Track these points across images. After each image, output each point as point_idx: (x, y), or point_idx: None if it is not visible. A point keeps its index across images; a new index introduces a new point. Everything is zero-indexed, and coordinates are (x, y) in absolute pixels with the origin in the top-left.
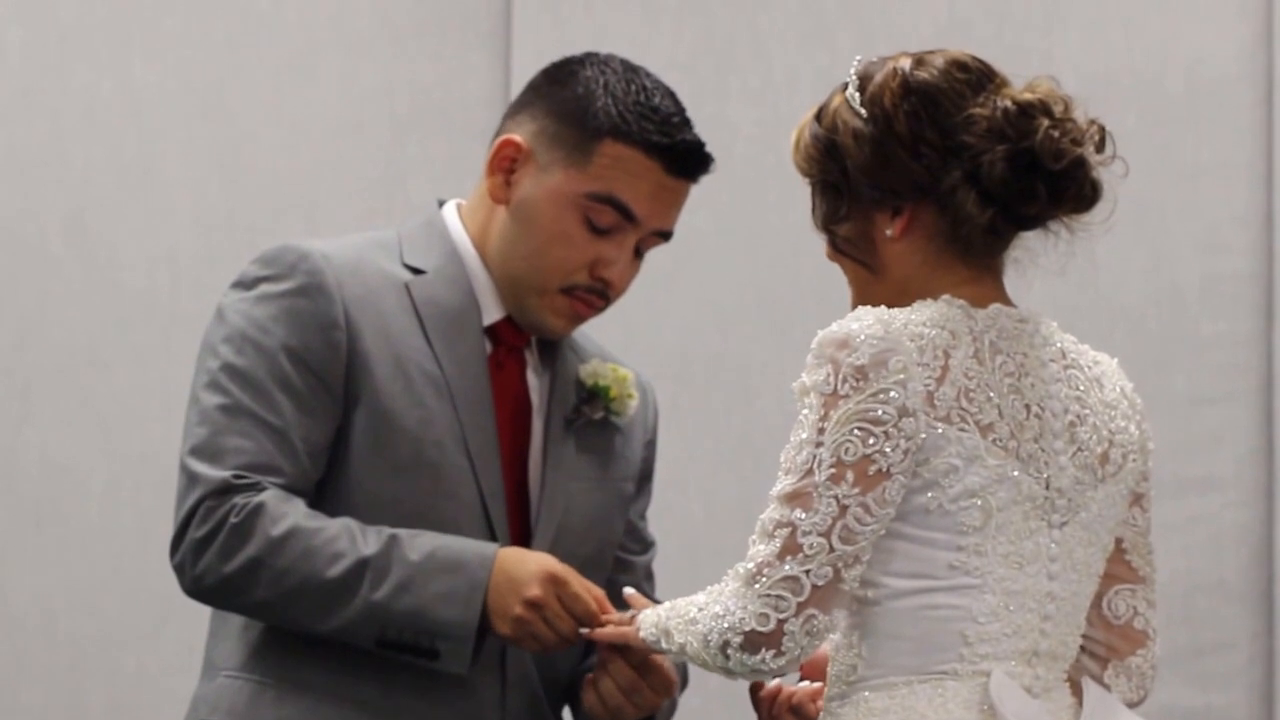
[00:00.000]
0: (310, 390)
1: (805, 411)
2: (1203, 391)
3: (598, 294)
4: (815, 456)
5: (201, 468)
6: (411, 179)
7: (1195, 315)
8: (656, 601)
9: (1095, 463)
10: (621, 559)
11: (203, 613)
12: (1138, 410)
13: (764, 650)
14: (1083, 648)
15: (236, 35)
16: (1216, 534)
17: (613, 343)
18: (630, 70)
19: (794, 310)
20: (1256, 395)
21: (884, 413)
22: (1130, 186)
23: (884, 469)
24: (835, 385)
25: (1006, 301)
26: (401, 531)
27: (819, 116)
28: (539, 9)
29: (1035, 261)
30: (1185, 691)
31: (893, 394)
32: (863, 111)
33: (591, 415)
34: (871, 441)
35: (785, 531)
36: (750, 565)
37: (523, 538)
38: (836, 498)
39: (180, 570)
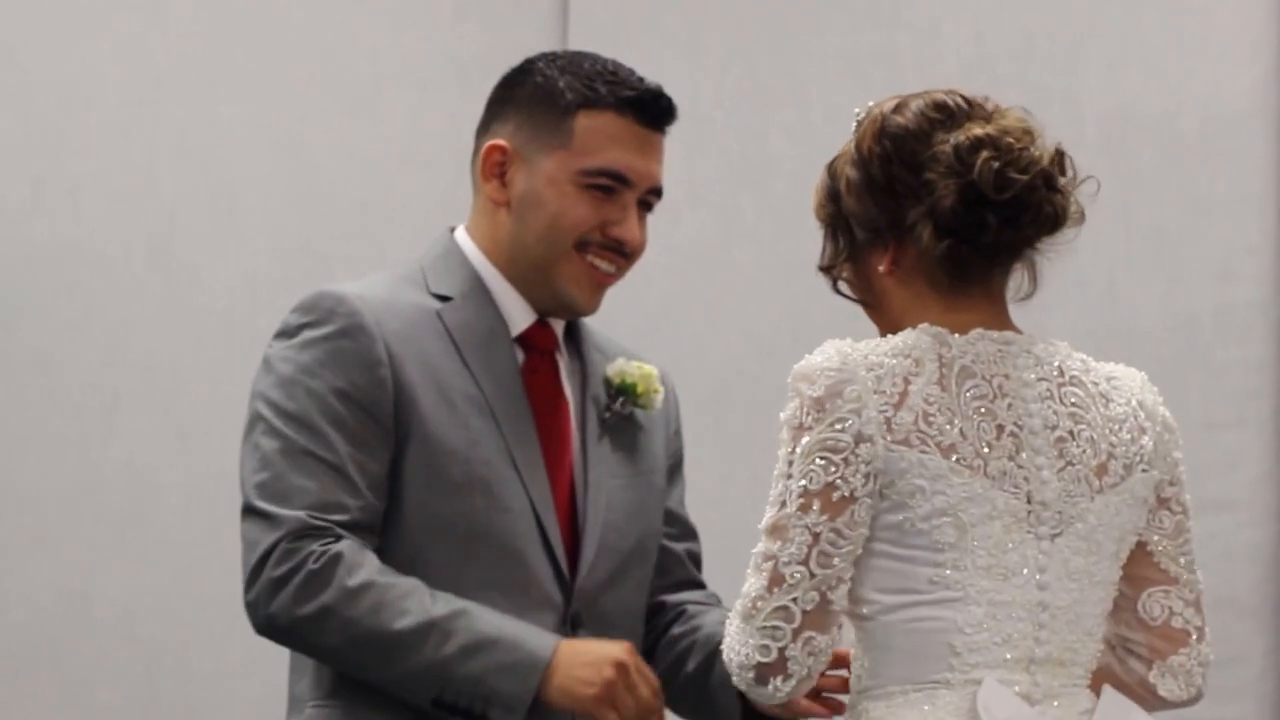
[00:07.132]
0: (362, 426)
1: (780, 446)
2: (1216, 416)
3: (614, 250)
4: (787, 488)
5: (274, 509)
6: None
7: (1209, 342)
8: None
9: (1090, 475)
10: (666, 547)
11: None
12: (1158, 422)
13: (772, 679)
14: (1129, 650)
15: (313, 76)
16: (1229, 552)
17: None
18: (576, 53)
19: (831, 338)
20: (1268, 420)
21: (841, 441)
22: (1148, 218)
23: (847, 494)
24: (800, 418)
25: (995, 325)
26: (470, 604)
27: (830, 165)
28: (596, 51)
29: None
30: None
31: (849, 422)
32: (855, 157)
33: (622, 412)
34: (833, 469)
35: (770, 565)
36: (746, 601)
37: (573, 538)
38: (808, 526)
39: (253, 608)
